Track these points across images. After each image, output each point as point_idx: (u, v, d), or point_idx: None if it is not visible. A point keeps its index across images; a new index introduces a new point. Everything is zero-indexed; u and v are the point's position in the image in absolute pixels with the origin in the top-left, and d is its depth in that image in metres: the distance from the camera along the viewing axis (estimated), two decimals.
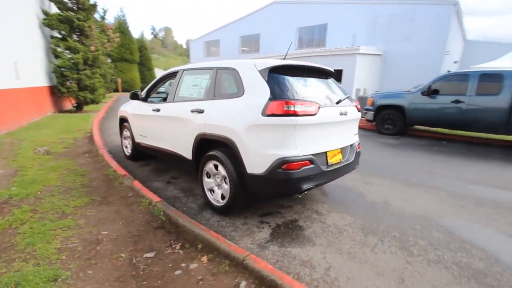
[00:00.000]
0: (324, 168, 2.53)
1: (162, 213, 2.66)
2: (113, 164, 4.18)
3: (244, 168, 2.47)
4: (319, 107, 2.43)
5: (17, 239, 2.20)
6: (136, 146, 4.46)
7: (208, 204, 2.99)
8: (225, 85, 2.88)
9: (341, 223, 2.73)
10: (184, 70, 3.52)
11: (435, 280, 1.94)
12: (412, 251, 2.28)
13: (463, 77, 6.39)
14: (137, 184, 3.35)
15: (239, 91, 2.62)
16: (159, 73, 43.96)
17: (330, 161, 2.65)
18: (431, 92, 6.74)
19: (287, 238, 2.43)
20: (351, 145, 3.03)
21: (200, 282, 1.83)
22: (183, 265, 2.01)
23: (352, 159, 2.99)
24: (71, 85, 9.33)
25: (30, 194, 3.05)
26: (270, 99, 2.34)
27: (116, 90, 23.51)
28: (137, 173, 4.08)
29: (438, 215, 2.94)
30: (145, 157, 4.75)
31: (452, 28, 13.57)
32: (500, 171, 4.58)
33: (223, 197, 2.79)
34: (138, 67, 31.97)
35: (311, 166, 2.41)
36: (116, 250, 2.16)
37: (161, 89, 4.48)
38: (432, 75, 13.72)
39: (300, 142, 2.37)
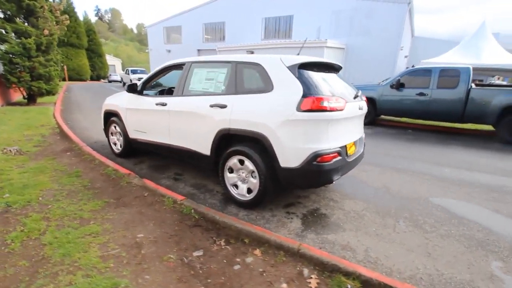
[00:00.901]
0: (347, 159, 2.74)
1: (192, 211, 2.62)
2: (109, 162, 3.89)
3: (277, 162, 2.55)
4: (346, 102, 2.61)
5: (47, 251, 2.00)
6: (130, 143, 4.20)
7: (231, 200, 3.01)
8: (248, 80, 2.88)
9: (358, 208, 3.00)
10: (192, 62, 3.40)
11: (453, 251, 2.29)
12: (425, 228, 2.63)
13: (426, 72, 7.18)
14: (150, 183, 3.21)
15: (267, 87, 2.65)
16: (110, 60, 40.37)
17: (348, 152, 2.86)
18: (399, 85, 7.44)
19: (318, 226, 2.60)
20: (360, 138, 3.29)
21: (264, 274, 1.90)
22: (238, 259, 2.06)
23: (362, 150, 3.25)
24: (22, 74, 8.17)
25: (31, 200, 2.73)
26: (304, 95, 2.43)
27: (64, 79, 21.16)
28: (136, 171, 3.86)
29: (431, 196, 3.39)
30: (136, 153, 4.50)
31: (405, 25, 14.92)
32: (462, 155, 5.35)
33: (249, 191, 2.84)
34: (86, 53, 29.02)
35: (339, 158, 2.59)
36: (161, 252, 2.11)
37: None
38: (389, 68, 15.05)
39: (331, 136, 2.53)
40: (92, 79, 29.97)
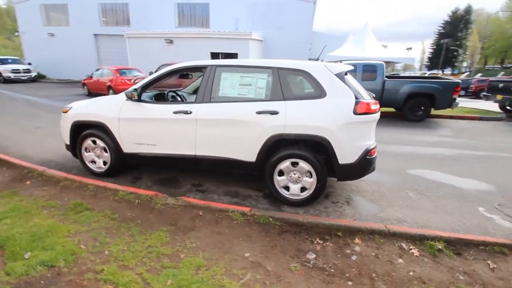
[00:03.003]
0: None
1: (271, 219, 2.66)
2: (114, 185, 3.27)
3: (336, 160, 2.87)
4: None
5: None
6: (123, 158, 3.59)
7: (280, 201, 3.14)
8: (295, 86, 3.02)
9: (375, 188, 3.67)
10: (216, 66, 3.21)
11: (455, 206, 3.22)
12: (426, 195, 3.53)
13: (353, 67, 8.66)
14: (194, 201, 2.96)
15: (319, 93, 2.89)
16: None
17: None
18: None
19: (367, 208, 3.12)
20: None
21: (379, 256, 2.27)
22: (348, 251, 2.33)
23: None
24: None
25: (73, 252, 2.12)
26: (357, 101, 2.81)
27: None
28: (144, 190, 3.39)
29: (407, 170, 4.43)
30: (122, 170, 3.86)
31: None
32: (391, 133, 6.94)
33: (302, 190, 3.06)
34: None
35: (376, 150, 3.14)
36: (281, 264, 2.15)
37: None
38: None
39: (373, 133, 3.04)
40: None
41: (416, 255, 2.30)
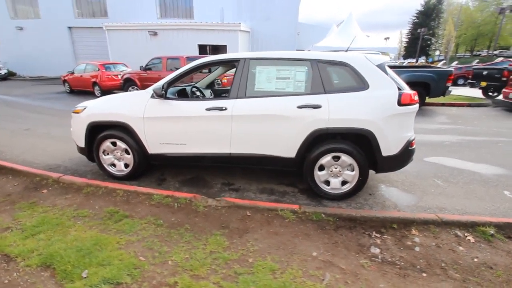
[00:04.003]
0: None
1: (323, 215, 2.62)
2: (147, 189, 3.08)
3: (379, 152, 2.86)
4: None
5: None
6: (147, 160, 3.38)
7: (320, 196, 3.11)
8: (336, 78, 2.95)
9: (403, 178, 3.73)
10: (250, 59, 3.07)
11: (482, 191, 3.35)
12: (453, 182, 3.65)
13: None
14: (240, 201, 2.84)
15: (361, 85, 2.84)
16: None
17: None
18: None
19: (406, 198, 3.17)
20: None
21: (440, 246, 2.31)
22: (408, 243, 2.35)
23: None
24: None
25: (136, 266, 1.95)
26: (400, 92, 2.80)
27: None
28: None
29: (423, 158, 4.54)
30: (145, 171, 3.66)
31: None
32: None
33: (343, 184, 3.04)
34: None
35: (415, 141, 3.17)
36: (351, 261, 2.12)
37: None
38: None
39: (413, 124, 3.06)
40: None
41: (473, 242, 2.36)
